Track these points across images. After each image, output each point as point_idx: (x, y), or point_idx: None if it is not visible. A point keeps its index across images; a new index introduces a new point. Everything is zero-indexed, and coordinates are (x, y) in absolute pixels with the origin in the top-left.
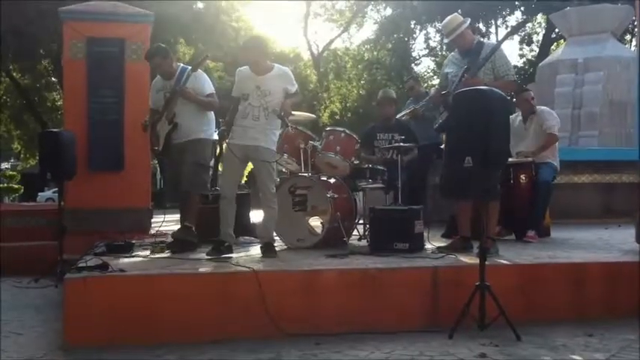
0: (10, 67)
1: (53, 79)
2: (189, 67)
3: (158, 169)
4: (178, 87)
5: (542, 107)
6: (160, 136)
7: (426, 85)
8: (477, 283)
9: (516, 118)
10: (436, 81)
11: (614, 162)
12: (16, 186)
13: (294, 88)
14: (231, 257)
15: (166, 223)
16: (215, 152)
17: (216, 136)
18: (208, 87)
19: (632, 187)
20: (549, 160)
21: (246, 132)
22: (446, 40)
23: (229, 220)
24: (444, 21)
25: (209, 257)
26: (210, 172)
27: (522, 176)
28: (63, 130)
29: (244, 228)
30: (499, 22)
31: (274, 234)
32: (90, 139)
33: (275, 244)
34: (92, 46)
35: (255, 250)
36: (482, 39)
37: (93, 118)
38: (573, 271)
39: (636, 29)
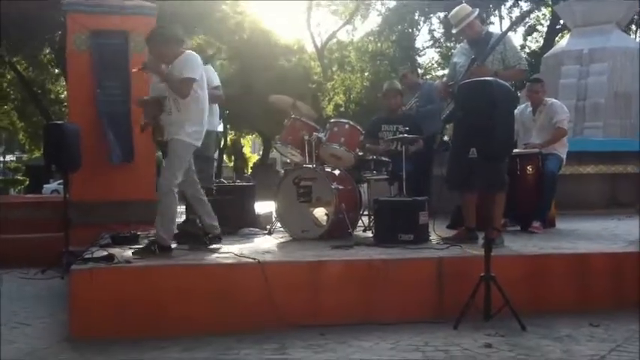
0: (14, 59)
1: (57, 70)
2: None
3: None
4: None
5: (553, 100)
6: (164, 125)
7: (430, 76)
8: (482, 274)
9: (525, 108)
10: (440, 72)
11: (619, 153)
12: (21, 178)
13: (186, 74)
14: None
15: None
16: (219, 144)
17: (220, 128)
18: (216, 79)
19: (637, 177)
20: (556, 151)
21: (165, 127)
22: (454, 31)
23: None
24: (453, 11)
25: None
26: (215, 165)
27: (529, 167)
28: (67, 123)
29: (249, 219)
30: (503, 12)
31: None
32: (102, 131)
33: (157, 244)
34: (96, 38)
35: (260, 241)
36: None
37: (98, 110)
38: (578, 261)
39: None
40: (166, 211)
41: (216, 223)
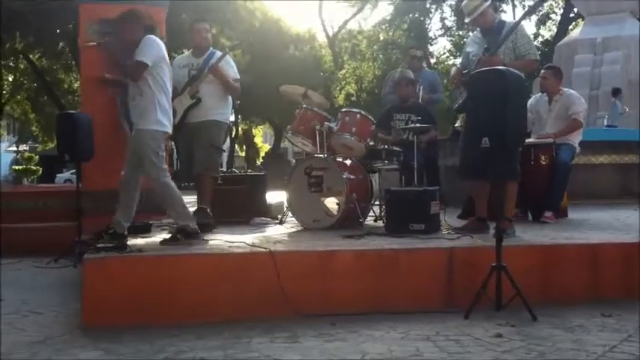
0: (27, 48)
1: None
2: (218, 51)
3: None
4: (210, 64)
5: (571, 91)
6: (177, 111)
7: (442, 65)
8: (494, 264)
9: (541, 97)
10: (452, 61)
11: (633, 142)
12: (34, 167)
13: (139, 57)
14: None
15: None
16: (231, 134)
17: (232, 118)
18: (234, 73)
19: None
20: (569, 140)
21: (132, 115)
22: (467, 20)
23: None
24: (465, 0)
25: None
26: (225, 155)
27: (543, 157)
28: (80, 112)
29: (260, 209)
30: (516, 1)
31: (181, 220)
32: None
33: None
34: (108, 28)
35: (271, 231)
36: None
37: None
38: (590, 252)
39: None
40: (172, 202)
41: (123, 221)
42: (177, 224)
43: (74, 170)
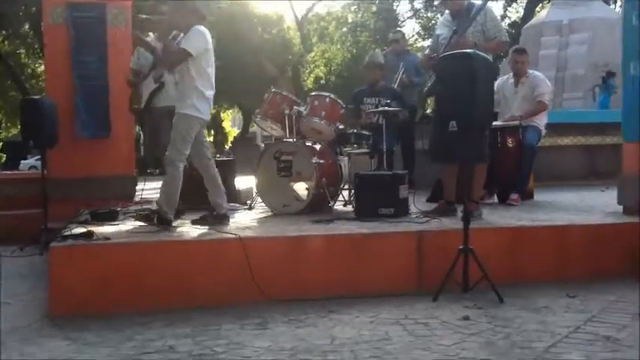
0: None
1: (35, 46)
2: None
3: (142, 135)
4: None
5: (536, 72)
6: (143, 95)
7: (410, 47)
8: (461, 247)
9: (507, 80)
10: (421, 44)
11: (598, 124)
12: None
13: (184, 44)
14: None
15: (150, 190)
16: None
17: None
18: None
19: (615, 148)
20: (534, 123)
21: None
22: (436, 2)
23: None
24: None
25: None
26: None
27: (510, 140)
28: (44, 98)
29: (229, 194)
30: None
31: (163, 204)
32: (73, 106)
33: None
34: (73, 11)
35: (241, 217)
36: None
37: (76, 84)
38: (555, 233)
39: None
40: (169, 184)
41: (222, 201)
42: (160, 207)
43: (39, 156)
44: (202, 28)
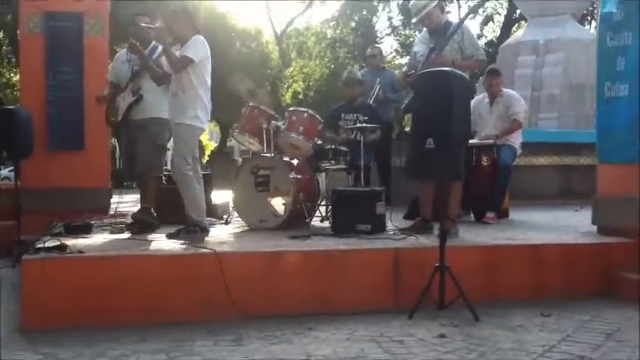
0: None
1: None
2: (160, 45)
3: (117, 147)
4: (151, 60)
5: (510, 91)
6: (120, 108)
7: (388, 64)
8: (437, 264)
9: (483, 99)
10: (399, 61)
11: (574, 144)
12: None
13: (186, 51)
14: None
15: (125, 203)
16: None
17: None
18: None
19: (590, 169)
20: (510, 142)
21: (170, 110)
22: (413, 20)
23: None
24: (412, 0)
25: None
26: (170, 153)
27: (484, 158)
28: (19, 108)
29: (206, 209)
30: (462, 1)
31: (196, 215)
32: (48, 116)
33: (197, 227)
34: (49, 20)
35: (217, 231)
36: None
37: (51, 95)
38: (530, 252)
39: (595, 11)
40: (189, 194)
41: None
42: (192, 218)
43: (12, 167)
44: (202, 37)
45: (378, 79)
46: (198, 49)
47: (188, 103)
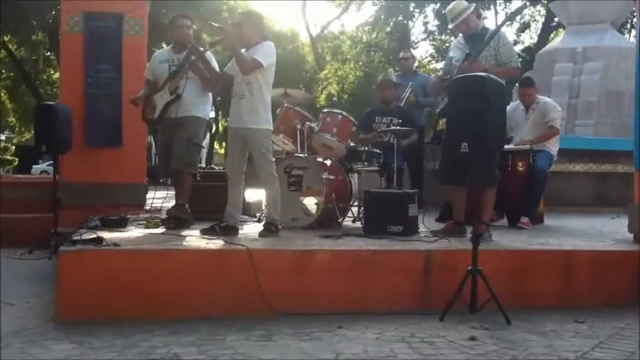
0: (6, 38)
1: (48, 54)
2: (200, 47)
3: (153, 144)
4: (190, 60)
5: (546, 99)
6: (157, 106)
7: (424, 69)
8: (469, 268)
9: (518, 106)
10: (434, 65)
11: (610, 152)
12: (10, 158)
13: (257, 56)
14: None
15: (161, 199)
16: (210, 131)
17: (212, 114)
18: (216, 67)
19: (626, 177)
20: (546, 148)
21: (236, 112)
22: (450, 26)
23: (232, 201)
24: (449, 6)
25: (201, 235)
26: (205, 151)
27: (520, 163)
28: (58, 104)
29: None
30: (499, 7)
31: (276, 214)
32: (86, 113)
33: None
34: (89, 20)
35: (250, 229)
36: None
37: (90, 92)
38: (564, 258)
39: (635, 20)
40: (273, 195)
41: (234, 212)
42: (273, 217)
43: (51, 162)
44: (272, 44)
45: (410, 83)
46: (269, 54)
47: (259, 106)
